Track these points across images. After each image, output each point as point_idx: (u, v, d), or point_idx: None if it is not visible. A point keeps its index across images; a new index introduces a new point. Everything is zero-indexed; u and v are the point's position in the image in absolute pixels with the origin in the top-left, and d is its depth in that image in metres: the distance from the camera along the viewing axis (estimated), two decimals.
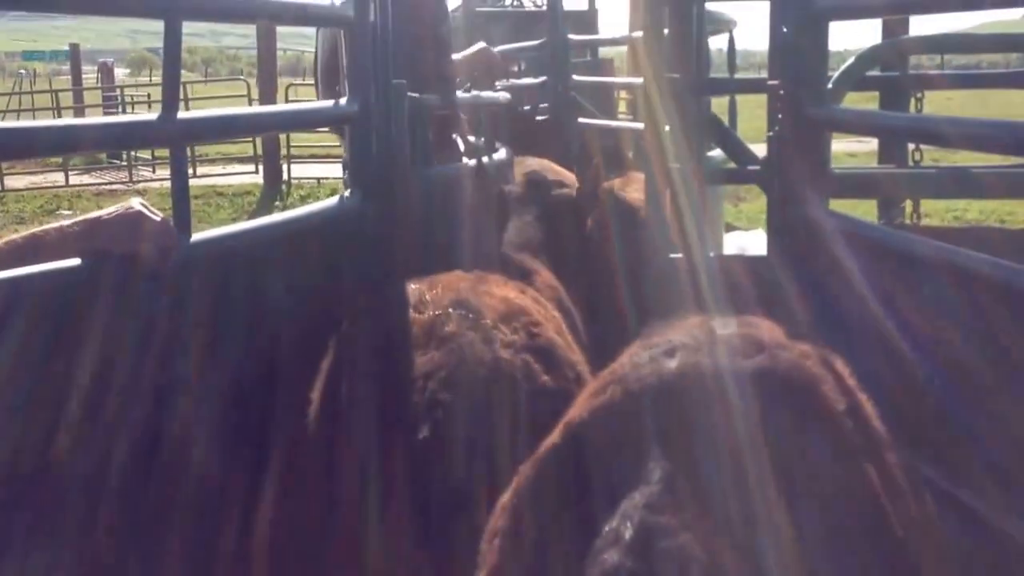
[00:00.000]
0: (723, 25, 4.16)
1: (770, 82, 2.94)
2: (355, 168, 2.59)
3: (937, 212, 9.48)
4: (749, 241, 6.54)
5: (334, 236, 2.40)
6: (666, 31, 3.41)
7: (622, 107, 10.88)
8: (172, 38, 1.76)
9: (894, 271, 2.57)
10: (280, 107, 2.28)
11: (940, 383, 2.31)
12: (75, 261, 1.60)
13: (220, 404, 1.91)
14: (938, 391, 2.31)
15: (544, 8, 8.55)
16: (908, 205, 3.71)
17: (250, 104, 16.87)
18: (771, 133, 2.94)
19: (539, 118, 6.03)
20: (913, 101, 3.75)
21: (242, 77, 24.81)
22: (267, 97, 14.96)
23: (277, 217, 2.31)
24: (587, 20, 10.78)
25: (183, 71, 2.05)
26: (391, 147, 2.58)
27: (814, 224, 2.82)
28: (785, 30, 2.85)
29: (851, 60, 3.07)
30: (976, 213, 10.14)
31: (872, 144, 9.88)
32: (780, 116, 2.89)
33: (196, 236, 1.82)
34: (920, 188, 3.30)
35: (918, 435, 2.22)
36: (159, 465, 1.75)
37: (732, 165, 3.68)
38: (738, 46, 4.11)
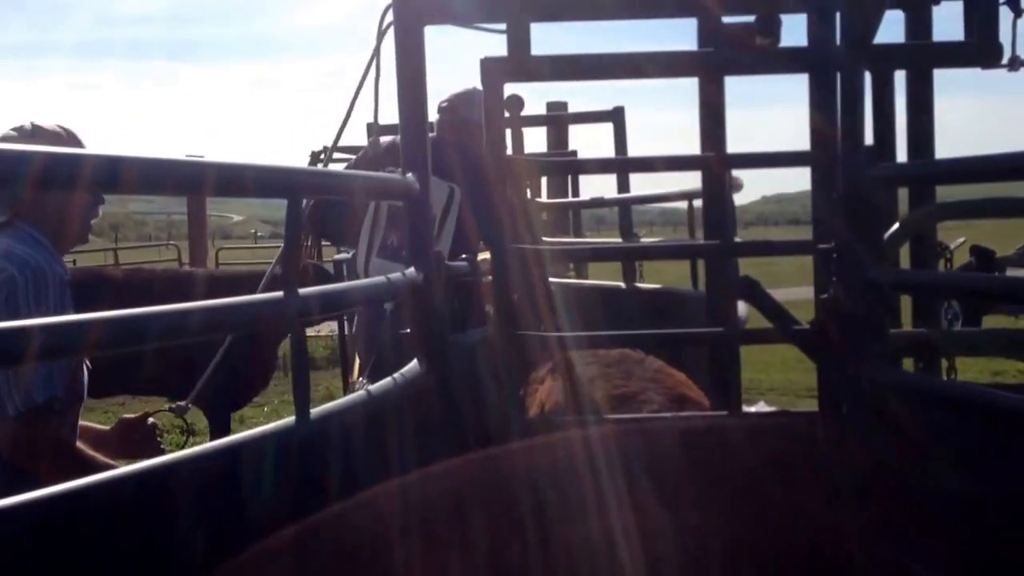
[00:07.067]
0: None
1: (821, 245, 2.81)
2: (420, 339, 2.47)
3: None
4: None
5: (411, 412, 2.25)
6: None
7: None
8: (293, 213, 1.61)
9: (976, 432, 2.38)
10: (363, 282, 2.20)
11: None
12: None
13: None
14: None
15: None
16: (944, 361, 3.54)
17: (180, 266, 16.05)
18: (824, 295, 2.79)
19: None
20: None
21: (173, 242, 24.68)
22: (198, 259, 14.85)
23: (360, 395, 2.12)
24: None
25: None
26: (439, 315, 2.48)
27: (878, 386, 2.63)
28: (835, 195, 2.75)
29: (895, 227, 2.96)
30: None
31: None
32: (835, 279, 2.75)
33: (314, 412, 1.62)
34: (968, 346, 3.16)
35: None
36: None
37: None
38: None
